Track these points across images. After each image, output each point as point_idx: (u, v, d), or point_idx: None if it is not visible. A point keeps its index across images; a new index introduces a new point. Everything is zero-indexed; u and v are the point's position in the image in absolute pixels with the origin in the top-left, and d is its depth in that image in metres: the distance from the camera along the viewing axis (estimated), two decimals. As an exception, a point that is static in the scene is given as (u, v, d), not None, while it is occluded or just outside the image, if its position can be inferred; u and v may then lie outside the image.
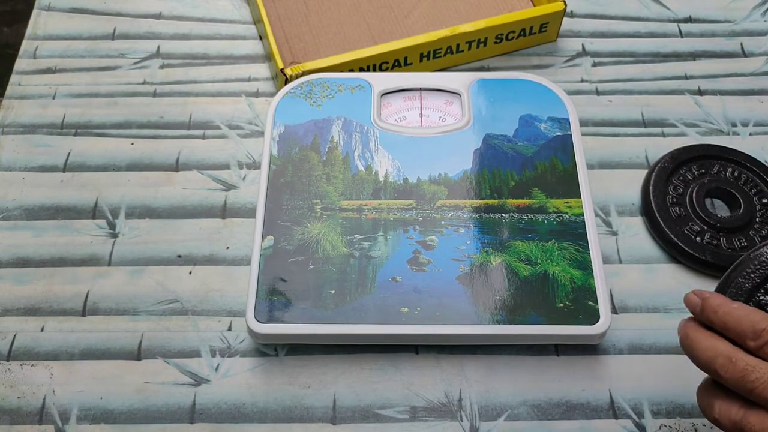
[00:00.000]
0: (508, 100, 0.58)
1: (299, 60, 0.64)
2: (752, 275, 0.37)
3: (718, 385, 0.36)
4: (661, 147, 0.60)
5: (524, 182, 0.54)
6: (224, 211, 0.57)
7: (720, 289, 0.38)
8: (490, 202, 0.53)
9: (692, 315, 0.38)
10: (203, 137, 0.61)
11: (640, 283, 0.54)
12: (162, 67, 0.65)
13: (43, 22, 0.68)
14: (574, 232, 0.51)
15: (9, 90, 0.64)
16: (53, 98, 0.63)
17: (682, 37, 0.68)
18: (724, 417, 0.34)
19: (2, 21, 1.59)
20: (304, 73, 0.59)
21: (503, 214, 0.52)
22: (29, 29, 0.68)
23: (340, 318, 0.48)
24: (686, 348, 0.37)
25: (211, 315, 0.52)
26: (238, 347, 0.51)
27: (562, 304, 0.48)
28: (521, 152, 0.55)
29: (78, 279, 0.54)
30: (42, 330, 0.51)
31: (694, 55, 0.67)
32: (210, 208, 0.57)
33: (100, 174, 0.59)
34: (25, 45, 0.67)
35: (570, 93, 0.63)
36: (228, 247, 0.55)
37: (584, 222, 0.52)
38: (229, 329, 0.51)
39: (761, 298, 0.36)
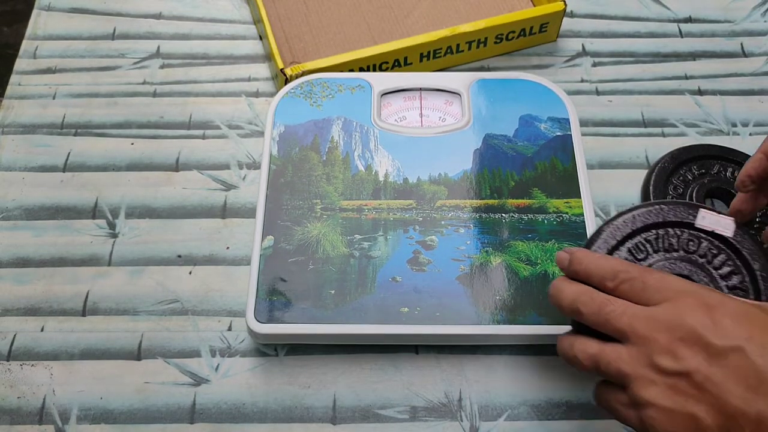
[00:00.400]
0: (508, 100, 0.58)
1: (299, 60, 0.64)
2: (609, 239, 0.42)
3: (577, 332, 0.39)
4: (661, 147, 0.60)
5: (524, 182, 0.54)
6: (224, 211, 0.57)
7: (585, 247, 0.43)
8: (490, 202, 0.53)
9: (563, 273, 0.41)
10: (203, 137, 0.61)
11: (640, 283, 0.54)
12: (162, 67, 0.65)
13: (43, 22, 0.68)
14: (574, 232, 0.51)
15: (9, 90, 0.64)
16: (53, 98, 0.63)
17: (682, 37, 0.68)
18: (581, 352, 0.37)
19: (2, 21, 1.59)
20: (304, 73, 0.59)
21: (503, 214, 0.52)
22: (29, 29, 0.68)
23: (340, 318, 0.48)
24: (554, 297, 0.39)
25: (211, 315, 0.52)
26: (238, 347, 0.51)
27: (562, 304, 0.48)
28: (521, 152, 0.55)
29: (78, 279, 0.54)
30: (42, 330, 0.51)
31: (694, 55, 0.67)
32: (210, 208, 0.57)
33: (100, 174, 0.59)
34: (25, 45, 0.67)
35: (570, 93, 0.63)
36: (228, 247, 0.55)
37: (584, 222, 0.52)
38: (229, 329, 0.51)
39: (617, 255, 0.42)
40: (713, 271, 0.42)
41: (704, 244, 0.41)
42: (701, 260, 0.42)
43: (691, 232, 0.42)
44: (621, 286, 0.37)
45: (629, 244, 0.42)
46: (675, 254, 0.42)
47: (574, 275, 0.39)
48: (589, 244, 0.43)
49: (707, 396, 0.32)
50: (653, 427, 0.33)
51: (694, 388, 0.32)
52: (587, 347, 0.37)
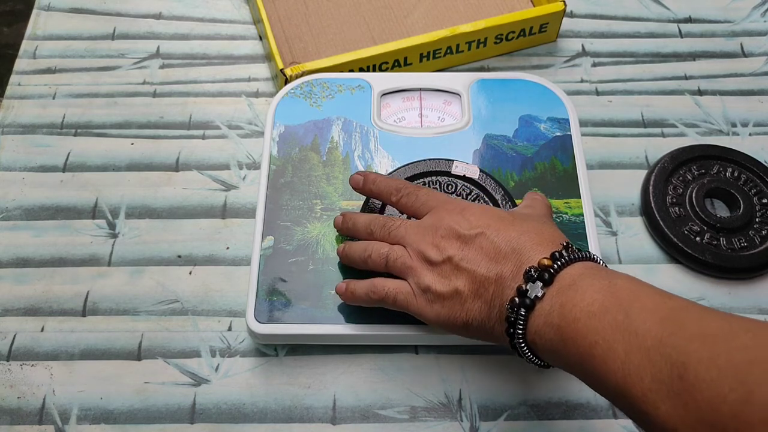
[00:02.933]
0: (507, 101, 0.58)
1: (299, 60, 0.64)
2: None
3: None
4: (660, 147, 0.60)
5: (524, 182, 0.54)
6: (224, 211, 0.57)
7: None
8: (490, 202, 0.53)
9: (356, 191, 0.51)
10: (203, 137, 0.61)
11: (639, 283, 0.54)
12: (162, 67, 0.65)
13: (43, 22, 0.68)
14: (573, 233, 0.51)
15: (9, 90, 0.64)
16: (53, 98, 0.63)
17: (682, 37, 0.68)
18: (375, 252, 0.46)
19: (2, 21, 1.59)
20: (304, 74, 0.59)
21: (503, 215, 0.52)
22: (29, 29, 0.68)
23: (340, 318, 0.48)
24: (350, 229, 0.49)
25: (211, 315, 0.52)
26: (238, 347, 0.51)
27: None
28: (521, 152, 0.55)
29: (78, 279, 0.54)
30: (42, 330, 0.51)
31: (693, 56, 0.67)
32: (210, 208, 0.57)
33: (100, 174, 0.59)
34: (25, 45, 0.67)
35: (570, 93, 0.63)
36: (228, 247, 0.55)
37: (584, 222, 0.52)
38: (229, 329, 0.52)
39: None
40: None
41: (459, 185, 0.53)
42: (458, 197, 0.52)
43: (449, 178, 0.53)
44: (402, 199, 0.47)
45: None
46: None
47: (368, 193, 0.50)
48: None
49: (463, 272, 0.42)
50: (435, 307, 0.43)
51: (454, 269, 0.42)
52: (379, 248, 0.46)
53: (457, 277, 0.42)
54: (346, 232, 0.50)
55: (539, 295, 0.38)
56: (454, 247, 0.42)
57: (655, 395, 0.32)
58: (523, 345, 0.39)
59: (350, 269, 0.49)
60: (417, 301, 0.43)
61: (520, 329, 0.39)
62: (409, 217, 0.48)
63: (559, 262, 0.39)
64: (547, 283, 0.38)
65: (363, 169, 0.54)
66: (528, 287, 0.39)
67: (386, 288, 0.45)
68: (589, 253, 0.40)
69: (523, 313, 0.38)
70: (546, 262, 0.39)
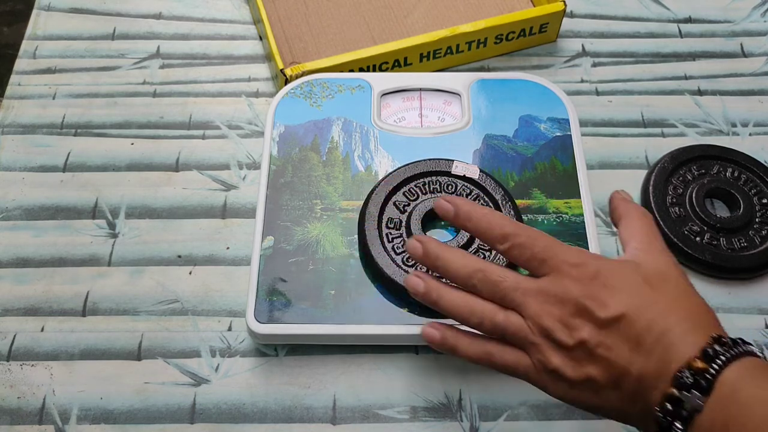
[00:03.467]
0: (507, 101, 0.58)
1: (299, 60, 0.64)
2: (388, 185, 0.52)
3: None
4: (660, 147, 0.60)
5: (524, 183, 0.54)
6: (224, 211, 0.57)
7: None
8: (490, 202, 0.53)
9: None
10: (203, 137, 0.61)
11: (639, 283, 0.54)
12: (162, 67, 0.65)
13: (43, 22, 0.68)
14: (574, 233, 0.51)
15: (9, 90, 0.64)
16: (53, 98, 0.63)
17: (681, 37, 0.68)
18: (488, 320, 0.39)
19: (2, 21, 1.59)
20: (304, 74, 0.59)
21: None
22: (29, 29, 0.68)
23: (340, 318, 0.48)
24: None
25: (211, 315, 0.52)
26: (238, 347, 0.51)
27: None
28: (521, 153, 0.55)
29: (78, 279, 0.54)
30: (42, 330, 0.51)
31: (693, 56, 0.67)
32: (210, 208, 0.57)
33: (100, 174, 0.59)
34: (25, 45, 0.67)
35: (570, 93, 0.63)
36: (228, 247, 0.55)
37: (584, 222, 0.52)
38: (229, 329, 0.52)
39: (394, 198, 0.52)
40: None
41: (459, 185, 0.52)
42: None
43: (449, 178, 0.53)
44: (511, 251, 0.40)
45: (404, 188, 0.52)
46: (438, 195, 0.52)
47: (462, 227, 0.42)
48: (371, 192, 0.52)
49: (599, 360, 0.36)
50: (561, 386, 0.38)
51: (588, 354, 0.36)
52: (494, 315, 0.39)
53: (591, 365, 0.36)
54: (427, 264, 0.42)
55: (698, 409, 0.33)
56: (587, 330, 0.36)
57: None
58: None
59: (370, 273, 0.49)
60: (540, 377, 0.38)
61: None
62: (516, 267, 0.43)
63: (716, 363, 0.33)
64: (705, 392, 0.33)
65: (363, 170, 0.54)
66: (683, 396, 0.33)
67: (505, 360, 0.39)
68: (745, 343, 0.35)
69: (680, 427, 0.34)
70: (700, 365, 0.33)
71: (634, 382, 0.35)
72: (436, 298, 0.41)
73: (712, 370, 0.33)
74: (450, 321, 0.41)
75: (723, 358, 0.33)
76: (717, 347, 0.34)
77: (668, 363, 0.34)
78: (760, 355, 0.36)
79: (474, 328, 0.40)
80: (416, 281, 0.42)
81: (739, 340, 0.35)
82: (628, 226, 0.42)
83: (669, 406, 0.34)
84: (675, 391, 0.34)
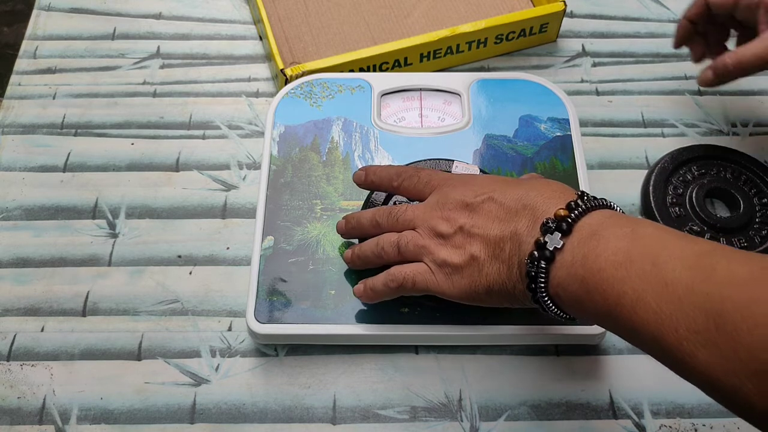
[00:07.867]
0: (507, 101, 0.58)
1: (299, 60, 0.64)
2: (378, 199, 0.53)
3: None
4: (661, 147, 0.60)
5: (524, 182, 0.54)
6: (224, 212, 0.57)
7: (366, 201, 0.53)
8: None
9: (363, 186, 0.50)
10: (203, 137, 0.61)
11: (639, 283, 0.54)
12: (162, 67, 0.65)
13: (43, 22, 0.68)
14: (574, 233, 0.51)
15: (9, 90, 0.64)
16: (53, 98, 0.63)
17: (682, 37, 0.68)
18: (386, 242, 0.45)
19: (2, 21, 1.59)
20: (304, 74, 0.59)
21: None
22: (29, 29, 0.68)
23: (340, 318, 0.48)
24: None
25: (211, 315, 0.52)
26: (238, 347, 0.51)
27: (561, 305, 0.48)
28: (521, 153, 0.55)
29: (78, 279, 0.54)
30: (42, 330, 0.51)
31: (694, 56, 0.67)
32: (210, 208, 0.57)
33: (100, 174, 0.59)
34: (25, 45, 0.67)
35: (570, 93, 0.63)
36: (228, 247, 0.55)
37: (584, 222, 0.52)
38: (229, 329, 0.52)
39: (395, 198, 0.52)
40: None
41: None
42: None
43: None
44: (403, 183, 0.47)
45: None
46: None
47: (371, 185, 0.49)
48: (371, 192, 0.53)
49: (476, 238, 0.41)
50: (454, 279, 0.42)
51: (467, 237, 0.42)
52: (390, 237, 0.45)
53: (471, 244, 0.41)
54: (351, 233, 0.49)
55: (558, 246, 0.37)
56: (463, 216, 0.42)
57: (691, 345, 0.32)
58: (546, 298, 0.38)
59: (358, 272, 0.49)
60: (436, 278, 0.43)
61: (542, 282, 0.38)
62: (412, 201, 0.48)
63: (576, 212, 0.38)
64: (566, 234, 0.37)
65: (363, 169, 0.55)
66: (546, 239, 0.38)
67: (404, 272, 0.44)
68: (606, 200, 0.39)
69: (543, 265, 0.37)
70: (562, 212, 0.38)
71: (509, 244, 0.40)
72: (357, 252, 0.47)
73: (573, 216, 0.38)
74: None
75: (583, 206, 0.38)
76: (579, 201, 0.39)
77: (536, 219, 0.39)
78: (620, 209, 0.40)
79: (380, 257, 0.46)
80: (347, 252, 0.48)
81: (602, 199, 0.39)
82: None
83: (536, 253, 0.38)
84: (540, 237, 0.38)
